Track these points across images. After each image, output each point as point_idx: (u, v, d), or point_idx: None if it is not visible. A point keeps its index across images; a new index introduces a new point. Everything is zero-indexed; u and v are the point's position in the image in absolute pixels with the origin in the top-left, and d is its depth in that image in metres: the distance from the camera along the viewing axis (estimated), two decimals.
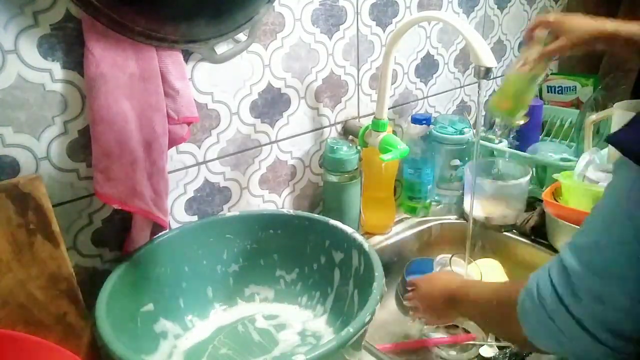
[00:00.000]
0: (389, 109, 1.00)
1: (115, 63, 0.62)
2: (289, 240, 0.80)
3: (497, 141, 1.06)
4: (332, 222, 0.77)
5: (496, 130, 1.06)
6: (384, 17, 0.95)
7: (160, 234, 0.75)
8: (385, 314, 0.88)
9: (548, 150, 1.08)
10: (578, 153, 1.02)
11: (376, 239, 0.98)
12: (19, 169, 0.63)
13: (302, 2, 0.82)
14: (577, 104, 1.29)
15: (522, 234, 0.96)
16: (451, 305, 0.67)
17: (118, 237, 0.74)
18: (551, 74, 1.39)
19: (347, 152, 0.87)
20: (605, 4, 1.30)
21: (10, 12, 0.57)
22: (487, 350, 0.79)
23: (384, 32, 0.96)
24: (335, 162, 0.87)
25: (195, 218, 0.83)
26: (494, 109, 0.83)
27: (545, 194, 0.92)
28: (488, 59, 0.69)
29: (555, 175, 0.92)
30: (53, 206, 0.61)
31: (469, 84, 1.19)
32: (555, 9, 1.34)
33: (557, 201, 0.91)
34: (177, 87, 0.68)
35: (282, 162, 0.90)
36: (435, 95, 1.12)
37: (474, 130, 1.02)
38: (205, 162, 0.80)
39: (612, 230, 0.43)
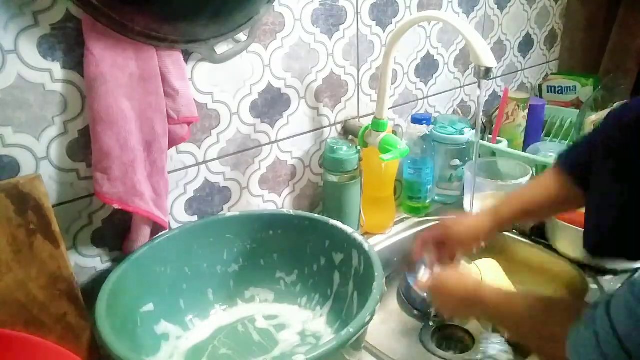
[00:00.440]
0: (389, 109, 1.00)
1: (115, 63, 0.62)
2: (289, 240, 0.80)
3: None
4: (332, 222, 0.77)
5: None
6: (384, 17, 0.95)
7: (160, 234, 0.75)
8: (385, 314, 0.88)
9: (548, 150, 1.08)
10: None
11: (376, 239, 0.98)
12: (19, 169, 0.63)
13: (302, 2, 0.82)
14: (577, 104, 1.29)
15: (522, 234, 0.96)
16: (471, 312, 0.67)
17: (118, 237, 0.74)
18: (551, 74, 1.40)
19: (347, 152, 0.87)
20: (606, 4, 1.30)
21: (10, 12, 0.57)
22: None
23: (384, 32, 0.96)
24: (335, 162, 0.87)
25: (195, 218, 0.83)
26: None
27: None
28: (488, 59, 0.69)
29: None
30: (53, 206, 0.61)
31: (469, 84, 1.19)
32: (556, 9, 1.34)
33: None
34: (177, 87, 0.68)
35: (282, 162, 0.90)
36: (435, 95, 1.12)
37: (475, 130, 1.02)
38: (205, 162, 0.80)
39: None
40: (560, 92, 1.34)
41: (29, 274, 0.58)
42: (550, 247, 0.91)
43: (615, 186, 0.51)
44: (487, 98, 1.25)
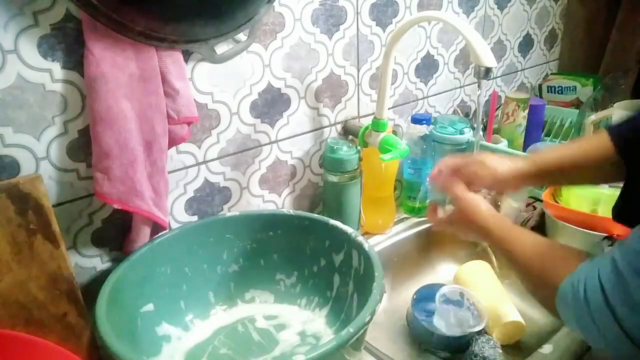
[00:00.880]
0: (389, 109, 1.00)
1: (115, 63, 0.62)
2: (289, 240, 0.80)
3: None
4: (332, 222, 0.77)
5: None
6: (384, 17, 0.95)
7: (160, 234, 0.75)
8: (385, 314, 0.88)
9: None
10: None
11: (376, 239, 0.98)
12: (19, 169, 0.63)
13: (302, 2, 0.82)
14: (577, 104, 1.29)
15: None
16: (484, 239, 0.66)
17: (118, 237, 0.74)
18: (551, 74, 1.40)
19: (347, 152, 0.87)
20: (606, 4, 1.30)
21: (10, 12, 0.57)
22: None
23: (384, 32, 0.96)
24: (335, 162, 0.87)
25: (195, 218, 0.83)
26: None
27: (545, 195, 0.92)
28: (488, 59, 0.69)
29: None
30: (53, 206, 0.61)
31: (469, 84, 1.19)
32: (556, 9, 1.34)
33: (557, 202, 0.91)
34: (177, 87, 0.68)
35: (282, 162, 0.90)
36: (435, 95, 1.12)
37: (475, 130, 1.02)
38: (205, 162, 0.80)
39: None
40: (560, 92, 1.34)
41: (29, 274, 0.58)
42: None
43: None
44: (487, 98, 1.25)
